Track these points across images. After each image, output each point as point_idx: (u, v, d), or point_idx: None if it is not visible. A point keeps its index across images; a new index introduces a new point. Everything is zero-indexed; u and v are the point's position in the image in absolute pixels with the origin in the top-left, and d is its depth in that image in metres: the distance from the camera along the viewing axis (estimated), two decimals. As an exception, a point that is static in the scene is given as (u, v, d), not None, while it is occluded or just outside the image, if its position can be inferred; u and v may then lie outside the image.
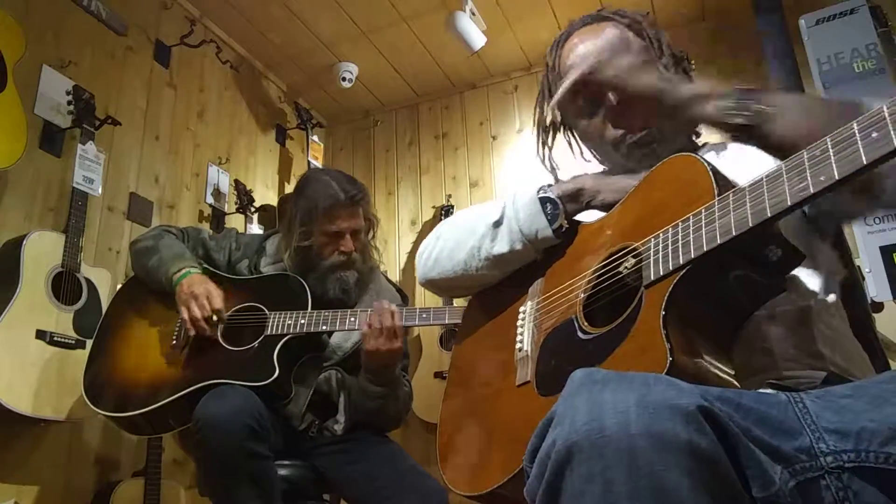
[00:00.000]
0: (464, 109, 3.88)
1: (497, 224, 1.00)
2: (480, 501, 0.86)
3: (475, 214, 1.05)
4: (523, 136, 3.67)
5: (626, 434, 0.54)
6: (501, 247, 0.99)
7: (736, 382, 0.72)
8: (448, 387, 1.06)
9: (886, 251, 2.14)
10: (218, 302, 1.76)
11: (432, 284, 1.09)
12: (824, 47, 2.41)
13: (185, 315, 1.75)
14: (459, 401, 1.01)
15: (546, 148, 1.16)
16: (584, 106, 1.03)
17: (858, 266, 2.13)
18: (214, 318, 1.76)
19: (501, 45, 3.51)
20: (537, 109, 1.18)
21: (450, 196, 3.69)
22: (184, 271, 1.81)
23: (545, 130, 1.16)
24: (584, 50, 1.05)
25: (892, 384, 0.63)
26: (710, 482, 0.53)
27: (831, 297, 0.86)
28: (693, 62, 1.12)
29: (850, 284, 0.96)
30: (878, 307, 2.14)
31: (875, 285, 2.12)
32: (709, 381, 0.68)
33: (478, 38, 3.20)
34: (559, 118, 1.14)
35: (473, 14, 3.16)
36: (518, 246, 0.98)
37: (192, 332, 1.75)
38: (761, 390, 0.74)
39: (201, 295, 1.75)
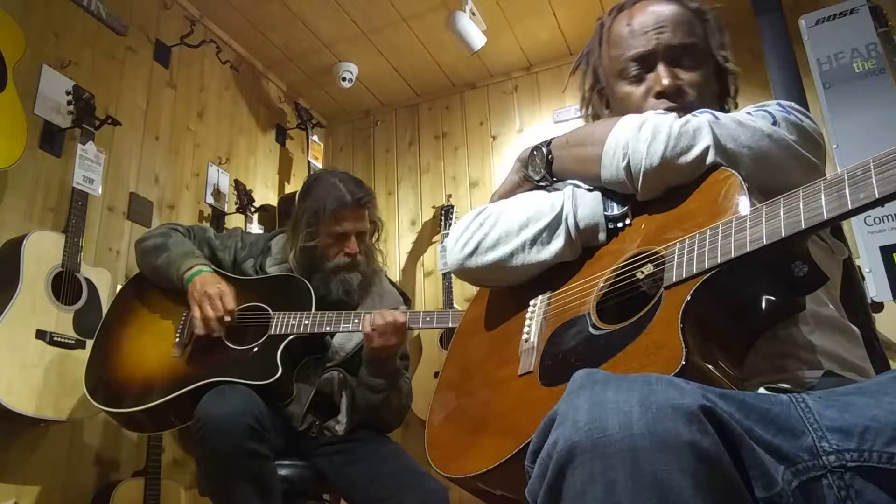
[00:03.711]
0: (464, 109, 3.88)
1: (555, 220, 0.96)
2: (463, 485, 0.85)
3: (526, 206, 1.00)
4: (523, 136, 3.66)
5: (628, 434, 0.54)
6: (557, 244, 0.95)
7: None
8: (444, 372, 1.05)
9: (886, 251, 2.14)
10: (231, 303, 1.78)
11: (465, 272, 1.03)
12: (824, 47, 2.41)
13: (198, 314, 1.75)
14: (454, 387, 1.00)
15: (592, 110, 1.15)
16: (634, 72, 1.05)
17: (859, 266, 2.13)
18: (227, 318, 1.77)
19: (501, 45, 3.51)
20: (581, 69, 1.17)
21: (450, 196, 3.69)
22: (195, 269, 1.82)
23: (587, 93, 1.16)
24: (650, 18, 1.05)
25: (891, 382, 0.63)
26: (713, 482, 0.53)
27: (819, 291, 0.86)
28: None
29: (847, 269, 0.98)
30: (878, 307, 2.14)
31: (875, 285, 2.12)
32: (716, 388, 0.67)
33: (478, 38, 3.20)
34: (595, 81, 1.13)
35: (473, 14, 3.16)
36: (571, 243, 0.95)
37: (202, 332, 1.75)
38: (760, 391, 0.74)
39: (215, 295, 1.76)
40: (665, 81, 1.01)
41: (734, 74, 1.09)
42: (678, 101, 1.01)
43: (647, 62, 1.04)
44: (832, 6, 2.46)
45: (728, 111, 1.08)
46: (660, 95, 1.02)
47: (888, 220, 2.17)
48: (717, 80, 1.08)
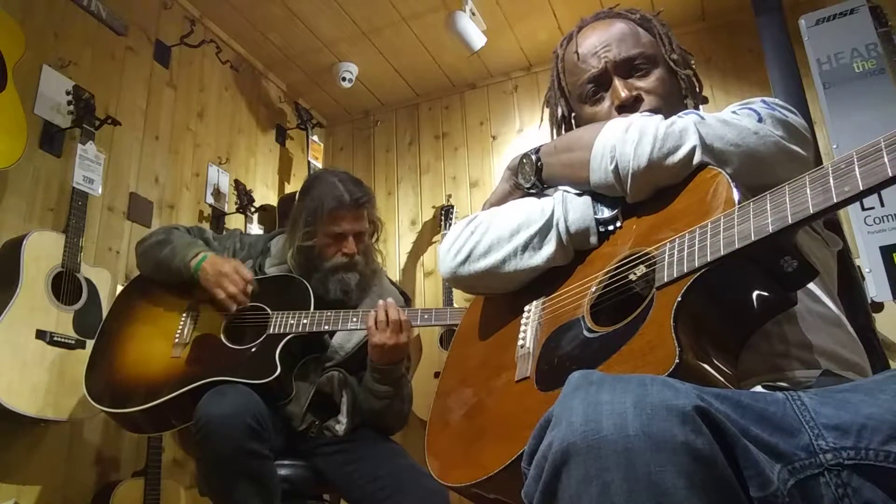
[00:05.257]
0: (464, 109, 3.88)
1: (546, 225, 0.97)
2: (461, 493, 0.85)
3: (516, 212, 1.01)
4: (523, 136, 3.66)
5: (622, 435, 0.54)
6: (548, 248, 0.96)
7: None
8: (442, 381, 1.06)
9: (886, 251, 2.14)
10: (247, 273, 1.80)
11: (458, 280, 1.03)
12: (824, 47, 2.41)
13: (222, 295, 1.76)
14: (453, 395, 1.01)
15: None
16: (593, 93, 1.09)
17: (859, 266, 2.12)
18: (249, 288, 1.78)
19: (501, 45, 3.51)
20: (549, 103, 1.21)
21: (450, 196, 3.68)
22: (201, 255, 1.83)
23: (558, 125, 1.19)
24: (595, 40, 1.09)
25: (888, 380, 0.64)
26: (707, 483, 0.53)
27: (814, 286, 0.86)
28: (693, 61, 1.15)
29: (843, 261, 0.99)
30: (878, 307, 2.14)
31: (875, 285, 2.11)
32: (712, 386, 0.67)
33: (478, 38, 3.20)
34: (566, 109, 1.18)
35: (473, 14, 3.16)
36: (562, 248, 0.96)
37: (233, 309, 1.77)
38: (757, 389, 0.74)
39: (230, 272, 1.78)
40: (622, 94, 1.04)
41: (687, 74, 1.11)
42: (639, 109, 1.03)
43: (602, 81, 1.08)
44: (832, 6, 2.45)
45: (697, 108, 1.11)
46: (620, 109, 1.04)
47: (888, 220, 2.17)
48: (677, 80, 1.10)
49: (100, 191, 2.37)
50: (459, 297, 3.25)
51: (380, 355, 1.75)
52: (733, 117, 0.90)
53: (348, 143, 4.14)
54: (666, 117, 0.93)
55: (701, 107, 1.13)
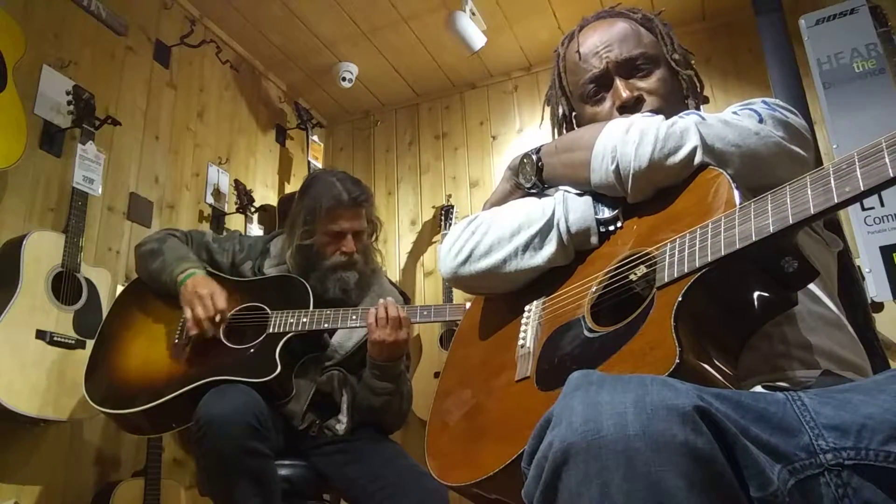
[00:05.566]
0: (464, 109, 3.88)
1: (546, 226, 0.97)
2: (461, 493, 0.85)
3: (517, 212, 1.01)
4: (523, 136, 3.66)
5: (622, 435, 0.54)
6: (549, 249, 0.96)
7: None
8: (442, 381, 1.06)
9: (886, 251, 2.14)
10: (221, 302, 1.78)
11: (459, 280, 1.03)
12: (824, 47, 2.41)
13: (189, 315, 1.76)
14: (453, 395, 1.01)
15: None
16: (594, 93, 1.09)
17: (859, 266, 2.12)
18: (218, 318, 1.77)
19: (501, 45, 3.51)
20: (550, 102, 1.21)
21: (450, 196, 3.68)
22: (188, 272, 1.83)
23: (559, 124, 1.19)
24: (597, 39, 1.09)
25: (888, 380, 0.63)
26: (707, 483, 0.53)
27: (814, 286, 0.86)
28: (693, 61, 1.15)
29: (843, 262, 1.00)
30: (878, 307, 2.14)
31: (875, 285, 2.11)
32: (712, 386, 0.67)
33: (478, 38, 3.20)
34: (567, 108, 1.18)
35: (473, 14, 3.16)
36: (563, 248, 0.96)
37: (195, 332, 1.76)
38: (757, 389, 0.74)
39: (206, 296, 1.77)
40: (624, 95, 1.04)
41: (688, 74, 1.11)
42: (641, 110, 1.03)
43: (603, 81, 1.07)
44: (832, 6, 2.46)
45: (698, 108, 1.10)
46: (622, 109, 1.04)
47: (888, 220, 2.17)
48: (678, 80, 1.10)
49: (100, 191, 2.37)
50: (460, 297, 3.25)
51: (379, 352, 1.76)
52: (734, 118, 0.90)
53: (348, 143, 4.14)
54: (667, 117, 0.92)
55: (702, 107, 1.13)
